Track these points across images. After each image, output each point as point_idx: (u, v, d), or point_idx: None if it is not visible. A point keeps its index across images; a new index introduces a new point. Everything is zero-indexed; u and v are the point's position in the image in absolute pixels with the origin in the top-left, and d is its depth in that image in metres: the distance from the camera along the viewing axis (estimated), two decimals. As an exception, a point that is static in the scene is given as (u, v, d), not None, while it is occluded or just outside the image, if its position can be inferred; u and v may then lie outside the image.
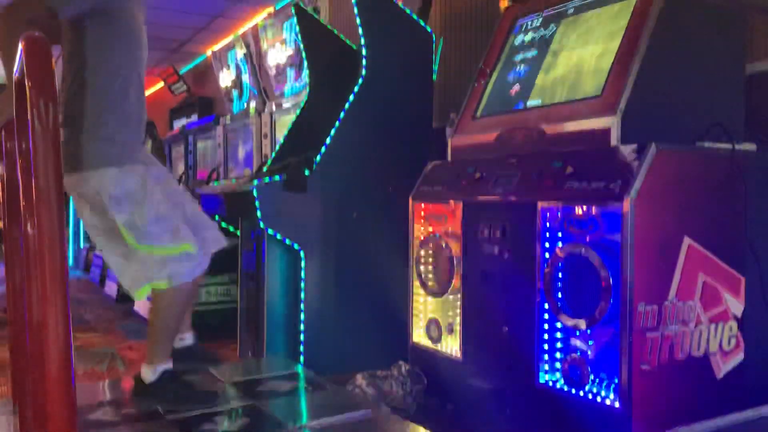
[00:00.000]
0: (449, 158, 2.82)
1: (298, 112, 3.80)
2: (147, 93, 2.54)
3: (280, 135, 4.34)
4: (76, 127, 2.18)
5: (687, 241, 2.06)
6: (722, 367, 2.17)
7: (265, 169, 3.57)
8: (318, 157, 3.15)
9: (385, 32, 3.33)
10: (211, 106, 7.68)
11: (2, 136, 2.21)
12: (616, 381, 1.97)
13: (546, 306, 2.18)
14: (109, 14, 2.17)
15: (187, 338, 2.59)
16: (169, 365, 2.36)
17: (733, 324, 2.19)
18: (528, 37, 2.76)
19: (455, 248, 2.59)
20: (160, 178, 2.31)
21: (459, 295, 2.57)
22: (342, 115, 3.22)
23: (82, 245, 8.78)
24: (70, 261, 8.65)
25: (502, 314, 2.36)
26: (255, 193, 3.02)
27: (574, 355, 2.10)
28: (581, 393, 2.07)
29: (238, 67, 5.88)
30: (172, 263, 2.24)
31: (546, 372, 2.20)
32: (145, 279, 2.26)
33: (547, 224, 2.19)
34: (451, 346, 2.63)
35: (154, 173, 2.29)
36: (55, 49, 1.83)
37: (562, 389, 2.14)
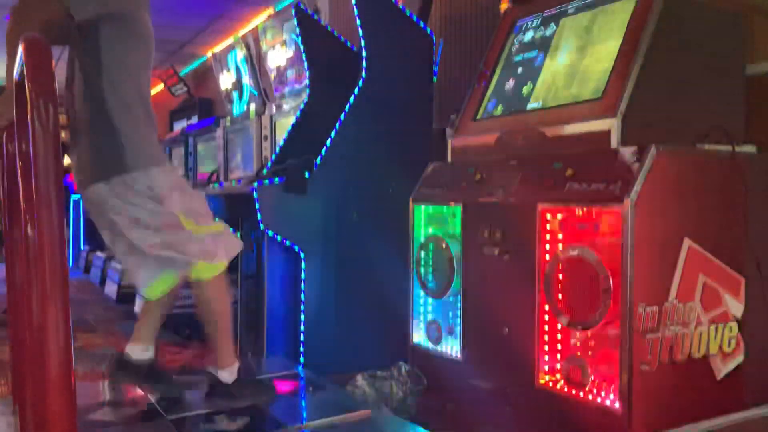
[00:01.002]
0: (449, 159, 2.82)
1: (298, 113, 3.80)
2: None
3: (280, 137, 4.34)
4: (110, 132, 2.19)
5: (687, 242, 2.06)
6: (722, 369, 2.17)
7: (265, 170, 3.57)
8: (318, 159, 3.15)
9: (385, 33, 3.33)
10: (211, 108, 7.69)
11: (4, 137, 2.21)
12: (616, 382, 1.97)
13: (546, 307, 2.18)
14: (123, 17, 2.19)
15: (150, 350, 2.52)
16: (237, 363, 2.41)
17: (733, 325, 2.19)
18: (528, 38, 2.76)
19: (455, 249, 2.59)
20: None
21: (459, 296, 2.58)
22: (342, 116, 3.23)
23: (82, 246, 8.78)
24: (71, 262, 8.65)
25: (502, 315, 2.37)
26: (255, 195, 3.02)
27: (574, 356, 2.11)
28: (581, 394, 2.07)
29: (238, 69, 5.88)
30: (223, 239, 2.32)
31: (546, 373, 2.20)
32: (207, 260, 2.27)
33: (548, 226, 2.19)
34: (452, 346, 2.63)
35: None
36: (55, 50, 1.84)
37: (562, 390, 2.14)
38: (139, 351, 2.43)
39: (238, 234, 3.59)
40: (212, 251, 2.28)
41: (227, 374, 2.37)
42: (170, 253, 2.25)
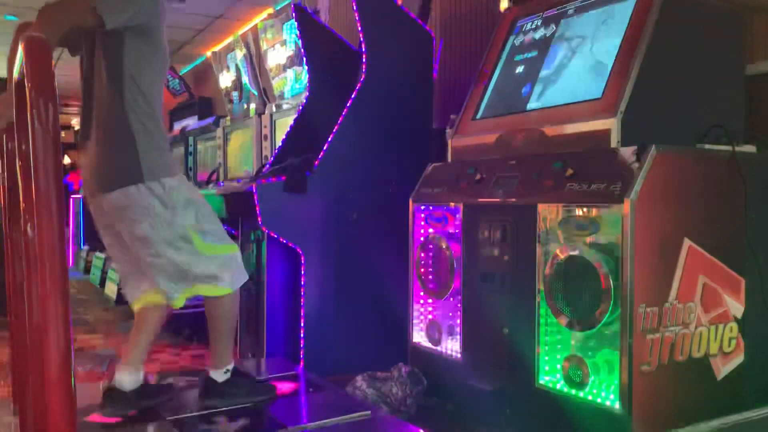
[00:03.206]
0: (449, 159, 2.82)
1: (298, 113, 3.80)
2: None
3: (280, 136, 4.34)
4: (125, 141, 2.20)
5: (687, 242, 2.06)
6: (722, 369, 2.17)
7: (265, 170, 3.57)
8: (318, 158, 3.15)
9: (385, 33, 3.33)
10: (211, 107, 7.68)
11: (4, 137, 2.21)
12: (617, 382, 1.97)
13: (546, 308, 2.18)
14: (148, 30, 2.23)
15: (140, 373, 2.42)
16: (232, 364, 2.44)
17: (734, 325, 2.19)
18: (528, 38, 2.76)
19: (455, 250, 2.59)
20: None
21: (459, 297, 2.57)
22: (342, 116, 3.22)
23: (82, 246, 8.77)
24: (70, 262, 8.65)
25: (502, 315, 2.36)
26: (255, 195, 3.02)
27: (573, 356, 2.10)
28: (581, 394, 2.07)
29: (237, 68, 5.88)
30: (230, 265, 2.33)
31: (546, 373, 2.20)
32: (211, 278, 2.29)
33: (548, 226, 2.19)
34: (452, 347, 2.63)
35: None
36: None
37: (562, 390, 2.14)
38: (128, 377, 2.32)
39: (239, 233, 3.60)
40: (218, 276, 2.30)
41: (220, 374, 2.40)
42: (172, 270, 2.26)
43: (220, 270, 2.30)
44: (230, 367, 2.43)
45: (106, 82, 2.23)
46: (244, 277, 2.40)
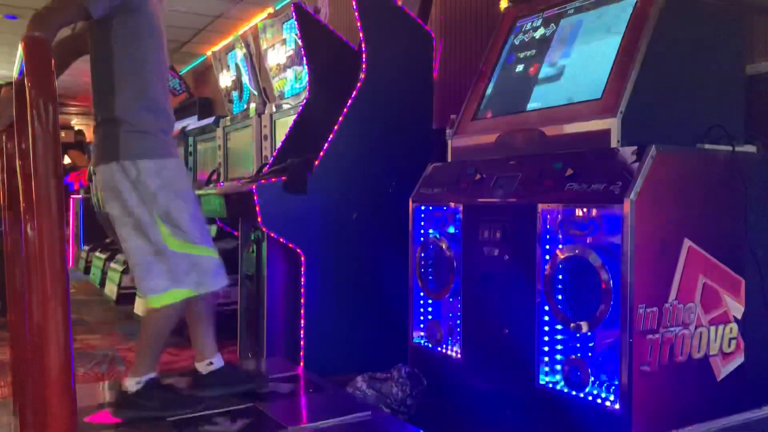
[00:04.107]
0: (449, 159, 2.82)
1: (298, 113, 3.80)
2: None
3: (280, 136, 4.34)
4: (112, 121, 2.20)
5: (687, 242, 2.06)
6: (722, 369, 2.17)
7: (265, 170, 3.57)
8: (318, 158, 3.15)
9: (385, 33, 3.33)
10: (211, 107, 7.68)
11: (4, 137, 2.21)
12: (617, 383, 1.97)
13: (546, 308, 2.18)
14: (133, 9, 2.21)
15: (216, 361, 2.47)
16: (153, 374, 2.31)
17: (734, 326, 2.19)
18: (528, 37, 2.76)
19: (455, 249, 2.59)
20: (188, 176, 2.38)
21: (459, 297, 2.57)
22: (342, 116, 3.22)
23: (82, 246, 8.77)
24: (70, 262, 8.64)
25: (502, 316, 2.36)
26: (255, 194, 3.02)
27: (574, 356, 2.11)
28: (581, 395, 2.07)
29: (237, 68, 5.88)
30: (199, 268, 2.24)
31: (546, 373, 2.20)
32: (170, 284, 2.20)
33: (548, 226, 2.19)
34: (452, 347, 2.63)
35: (185, 169, 2.36)
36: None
37: (562, 391, 2.14)
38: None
39: (238, 231, 3.60)
40: (172, 280, 2.19)
41: (133, 383, 2.27)
42: (140, 260, 2.20)
43: (185, 273, 2.21)
44: (144, 378, 2.26)
45: (96, 67, 2.25)
46: (215, 283, 2.28)
